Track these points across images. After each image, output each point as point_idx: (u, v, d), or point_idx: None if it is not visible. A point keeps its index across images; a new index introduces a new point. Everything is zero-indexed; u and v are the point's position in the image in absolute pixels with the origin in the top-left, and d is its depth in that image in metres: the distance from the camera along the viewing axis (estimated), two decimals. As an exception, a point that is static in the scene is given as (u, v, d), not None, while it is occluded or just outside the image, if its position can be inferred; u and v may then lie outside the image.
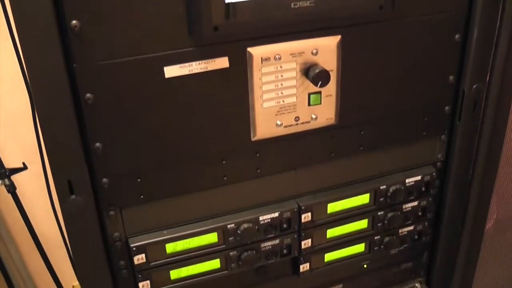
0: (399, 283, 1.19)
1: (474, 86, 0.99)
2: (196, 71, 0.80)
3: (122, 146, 0.82)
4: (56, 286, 1.81)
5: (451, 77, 0.98)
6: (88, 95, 0.76)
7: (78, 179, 0.81)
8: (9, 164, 1.53)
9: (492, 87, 1.00)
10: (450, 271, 1.20)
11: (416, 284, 1.19)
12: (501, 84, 1.00)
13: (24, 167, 1.51)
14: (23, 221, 1.65)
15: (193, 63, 0.80)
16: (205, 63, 0.80)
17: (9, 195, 1.53)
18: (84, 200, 0.83)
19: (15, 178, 1.59)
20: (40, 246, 1.70)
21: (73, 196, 0.82)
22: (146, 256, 0.91)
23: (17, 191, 1.59)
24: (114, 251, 0.91)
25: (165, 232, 0.92)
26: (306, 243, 1.01)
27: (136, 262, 0.91)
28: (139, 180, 0.86)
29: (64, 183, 0.80)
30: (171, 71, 0.79)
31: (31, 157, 1.48)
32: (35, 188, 1.62)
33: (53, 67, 0.72)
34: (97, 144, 0.80)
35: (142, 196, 0.87)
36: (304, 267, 1.04)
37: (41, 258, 1.73)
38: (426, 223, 1.10)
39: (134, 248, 0.90)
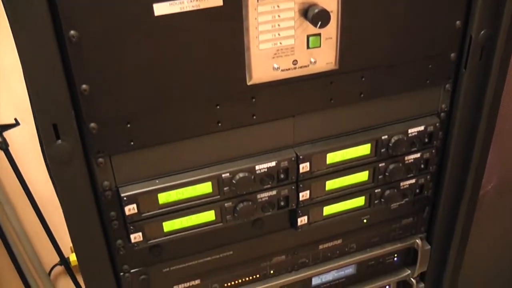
0: (399, 239, 1.16)
1: (482, 32, 0.94)
2: (188, 9, 0.76)
3: (110, 89, 0.77)
4: (53, 247, 1.80)
5: (457, 22, 0.93)
6: (72, 32, 0.71)
7: (64, 122, 0.77)
8: (2, 121, 1.50)
9: (501, 33, 0.95)
10: (451, 227, 1.17)
11: (417, 240, 1.16)
12: (510, 30, 0.96)
13: (16, 123, 1.48)
14: (18, 180, 1.63)
15: (185, 0, 0.75)
16: (197, 0, 0.75)
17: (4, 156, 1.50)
18: (70, 146, 0.79)
19: (11, 138, 1.56)
20: (36, 207, 1.68)
21: (59, 141, 0.78)
22: (137, 207, 0.88)
23: (13, 152, 1.57)
24: (104, 202, 0.87)
25: (157, 181, 0.88)
26: (304, 195, 0.97)
27: (127, 213, 0.87)
28: (129, 125, 0.82)
29: (49, 127, 0.76)
30: (160, 9, 0.74)
31: (26, 116, 1.44)
32: (31, 149, 1.59)
33: (33, 1, 0.67)
34: (84, 86, 0.76)
35: (132, 143, 0.83)
36: (302, 220, 1.01)
37: (38, 219, 1.72)
38: (428, 177, 1.07)
39: (125, 198, 0.86)
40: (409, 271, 1.21)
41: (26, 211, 1.74)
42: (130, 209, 0.87)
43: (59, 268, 1.92)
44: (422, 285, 1.23)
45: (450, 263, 1.21)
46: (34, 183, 1.68)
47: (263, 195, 0.94)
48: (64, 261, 1.81)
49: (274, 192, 0.94)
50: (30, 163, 1.65)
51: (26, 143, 1.60)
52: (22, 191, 1.67)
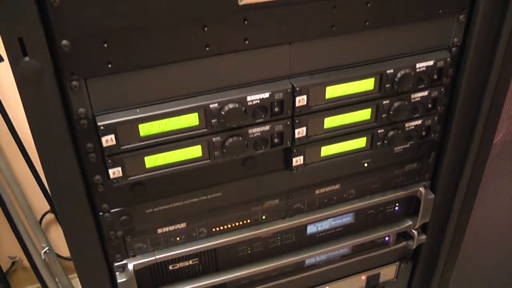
0: (402, 186, 1.09)
1: (502, -46, 0.85)
2: None
3: (83, 0, 0.69)
4: (43, 195, 1.74)
5: None
6: None
7: (31, 36, 0.68)
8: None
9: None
10: (457, 176, 1.09)
11: (420, 189, 1.08)
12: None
13: (0, 59, 1.39)
14: (7, 127, 1.57)
15: None
16: None
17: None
18: (39, 64, 0.70)
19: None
20: (26, 154, 1.62)
21: (27, 58, 0.69)
22: (116, 138, 0.80)
23: (2, 96, 1.50)
24: (80, 131, 0.79)
25: (138, 110, 0.80)
26: (300, 132, 0.89)
27: (105, 144, 0.80)
28: (105, 44, 0.73)
29: (15, 42, 0.68)
30: None
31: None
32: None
33: None
34: (54, -4, 0.67)
35: (110, 65, 0.75)
36: (297, 160, 0.93)
37: (28, 167, 1.66)
38: (435, 118, 0.98)
39: (102, 128, 0.78)
40: (411, 222, 1.14)
41: (16, 158, 1.68)
42: (108, 140, 0.79)
43: (50, 216, 1.88)
44: (423, 237, 1.16)
45: (454, 216, 1.14)
46: (25, 129, 1.61)
47: (255, 130, 0.86)
48: (55, 208, 1.75)
49: (267, 127, 0.86)
50: (20, 108, 1.57)
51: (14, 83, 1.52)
52: (12, 138, 1.60)
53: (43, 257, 1.79)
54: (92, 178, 0.84)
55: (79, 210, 0.86)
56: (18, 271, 2.09)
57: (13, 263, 1.98)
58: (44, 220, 1.88)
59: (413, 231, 1.14)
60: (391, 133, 0.95)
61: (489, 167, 1.10)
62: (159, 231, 0.95)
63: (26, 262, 1.82)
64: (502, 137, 1.12)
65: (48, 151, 0.79)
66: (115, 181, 0.84)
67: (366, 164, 1.02)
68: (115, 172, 0.83)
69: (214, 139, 0.84)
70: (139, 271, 0.97)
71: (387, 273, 1.24)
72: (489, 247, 1.26)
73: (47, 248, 1.80)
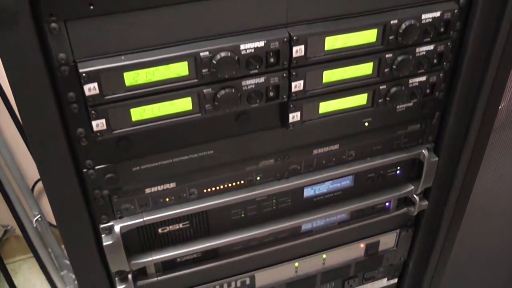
0: (404, 148, 1.04)
1: None
2: None
3: None
4: (33, 159, 1.69)
5: None
6: None
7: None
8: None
9: None
10: (462, 139, 1.04)
11: (423, 151, 1.03)
12: None
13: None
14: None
15: None
16: None
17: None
18: (15, 3, 0.65)
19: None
20: (18, 121, 1.58)
21: (0, -3, 0.64)
22: (99, 87, 0.74)
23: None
24: (61, 79, 0.74)
25: (123, 57, 0.74)
26: (297, 86, 0.84)
27: (87, 93, 0.74)
28: (86, -18, 0.67)
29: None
30: None
31: None
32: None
33: None
34: None
35: (92, 7, 0.69)
36: (294, 116, 0.88)
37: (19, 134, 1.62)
38: (441, 75, 0.93)
39: (84, 75, 0.73)
40: (412, 187, 1.09)
41: (7, 125, 1.64)
42: (91, 88, 0.74)
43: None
44: (425, 203, 1.11)
45: (458, 181, 1.08)
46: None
47: (249, 82, 0.80)
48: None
49: (262, 79, 0.81)
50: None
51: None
52: (3, 103, 1.56)
53: (34, 225, 1.75)
54: (75, 131, 0.79)
55: (61, 165, 0.81)
56: (10, 240, 2.07)
57: (5, 232, 1.94)
58: (36, 188, 1.84)
59: (415, 196, 1.09)
60: (393, 89, 0.90)
61: (495, 131, 1.05)
62: (147, 191, 0.90)
63: (18, 231, 1.78)
64: (510, 99, 1.07)
65: (27, 101, 0.74)
66: (99, 134, 0.79)
67: (366, 123, 0.96)
68: (98, 124, 0.77)
69: (205, 90, 0.79)
70: (126, 234, 0.93)
71: (387, 241, 1.19)
72: (494, 215, 1.21)
73: (38, 216, 1.77)
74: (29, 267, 2.09)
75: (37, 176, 1.73)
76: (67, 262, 1.84)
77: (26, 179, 1.76)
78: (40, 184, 1.83)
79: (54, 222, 1.79)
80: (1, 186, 1.65)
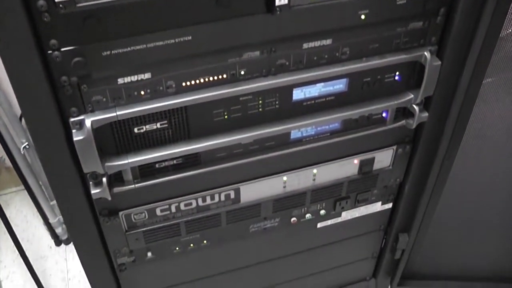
0: (405, 49, 0.95)
1: None
2: None
3: None
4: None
5: None
6: None
7: None
8: None
9: None
10: (468, 41, 0.94)
11: (425, 53, 0.94)
12: None
13: None
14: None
15: None
16: None
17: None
18: None
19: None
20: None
21: None
22: None
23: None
24: None
25: None
26: (284, -41, 0.75)
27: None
28: None
29: None
30: None
31: None
32: None
33: None
34: None
35: None
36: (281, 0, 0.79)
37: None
38: (447, -39, 0.83)
39: None
40: (412, 95, 1.00)
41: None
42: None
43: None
44: (425, 114, 1.03)
45: (462, 89, 1.00)
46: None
47: (230, -48, 0.72)
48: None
49: (243, -51, 0.72)
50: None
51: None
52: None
53: (22, 152, 1.69)
54: (35, 3, 0.71)
55: (23, 45, 0.73)
56: (1, 171, 2.03)
57: (-4, 163, 1.90)
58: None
59: (414, 106, 1.01)
60: (393, -27, 0.81)
61: (502, 39, 0.96)
62: (120, 81, 0.83)
63: (9, 163, 1.73)
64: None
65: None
66: (61, 6, 0.71)
67: (363, 16, 0.87)
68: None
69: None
70: (99, 133, 0.86)
71: (382, 159, 1.12)
72: (498, 132, 1.13)
73: (26, 143, 1.72)
74: (21, 199, 2.08)
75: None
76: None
77: (13, 108, 1.70)
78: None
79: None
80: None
